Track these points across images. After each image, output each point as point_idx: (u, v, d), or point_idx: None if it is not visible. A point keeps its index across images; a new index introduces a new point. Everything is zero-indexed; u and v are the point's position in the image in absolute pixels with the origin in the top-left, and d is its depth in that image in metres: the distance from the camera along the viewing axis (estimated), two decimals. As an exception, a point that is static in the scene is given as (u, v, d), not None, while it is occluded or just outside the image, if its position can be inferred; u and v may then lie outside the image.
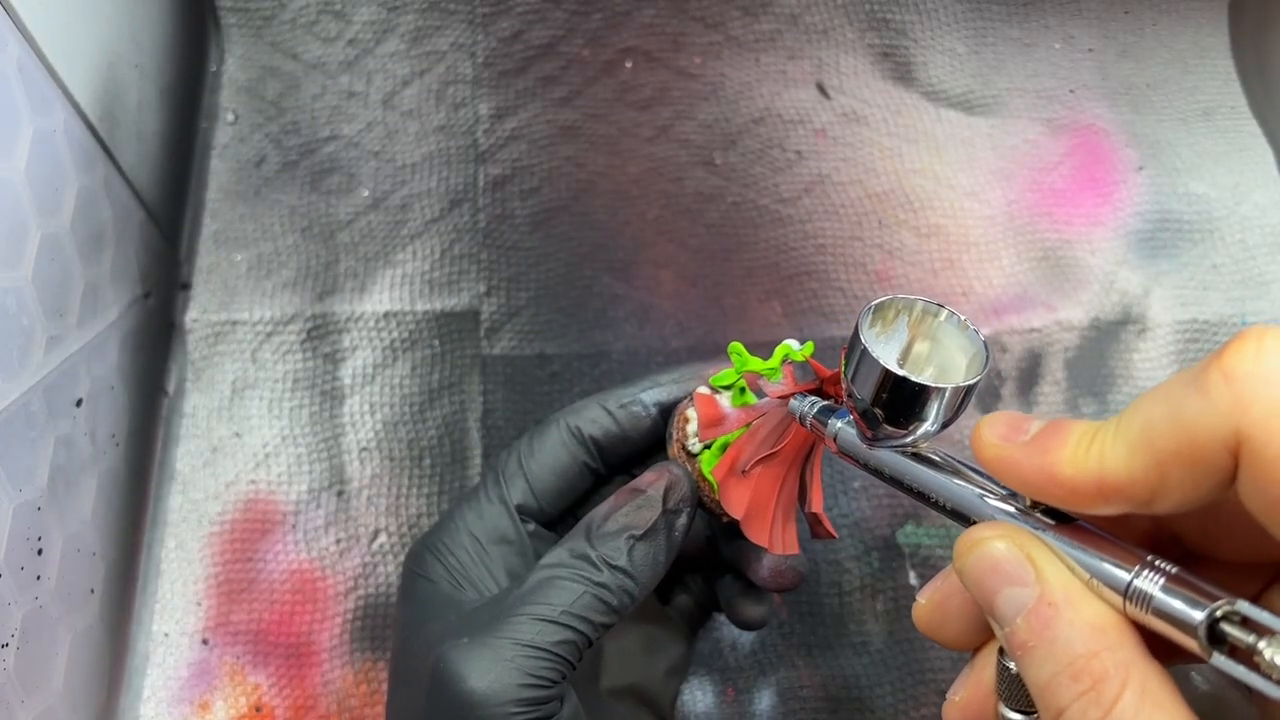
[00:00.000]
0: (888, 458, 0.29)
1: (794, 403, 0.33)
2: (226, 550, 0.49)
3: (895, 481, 0.28)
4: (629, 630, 0.39)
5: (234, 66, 0.60)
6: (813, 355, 0.35)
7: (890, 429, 0.27)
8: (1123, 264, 0.57)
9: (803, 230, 0.57)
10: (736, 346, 0.36)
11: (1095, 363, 0.55)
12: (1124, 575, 0.21)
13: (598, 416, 0.37)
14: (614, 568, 0.32)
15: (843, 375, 0.28)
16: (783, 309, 0.55)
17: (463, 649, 0.30)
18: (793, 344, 0.36)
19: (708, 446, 0.35)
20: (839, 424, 0.31)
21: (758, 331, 0.54)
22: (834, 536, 0.37)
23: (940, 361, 0.28)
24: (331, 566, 0.49)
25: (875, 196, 0.58)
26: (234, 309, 0.54)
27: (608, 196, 0.57)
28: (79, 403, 0.43)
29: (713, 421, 0.34)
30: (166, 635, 0.48)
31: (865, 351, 0.27)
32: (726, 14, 0.62)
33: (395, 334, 0.54)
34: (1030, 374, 0.54)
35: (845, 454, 0.31)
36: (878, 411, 0.27)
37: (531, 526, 0.36)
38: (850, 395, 0.28)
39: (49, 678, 0.39)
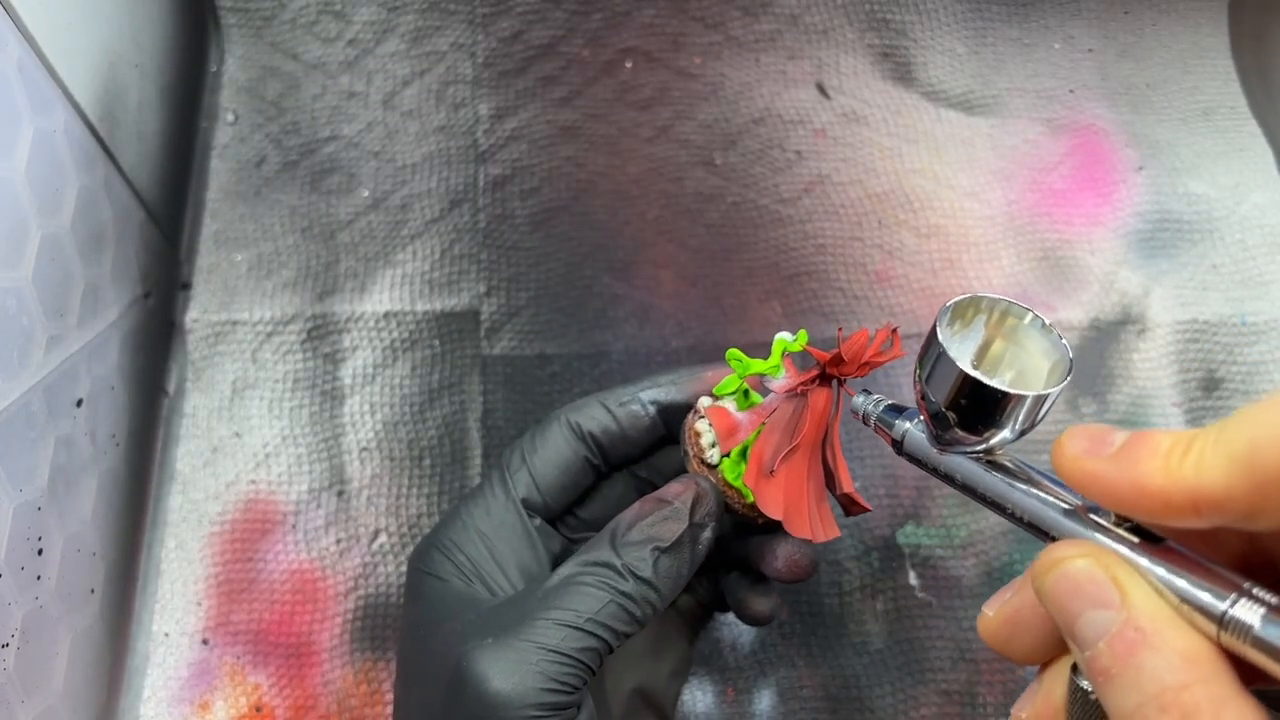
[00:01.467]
0: (959, 464, 0.27)
1: (857, 401, 0.32)
2: (227, 550, 0.49)
3: (966, 489, 0.27)
4: (643, 631, 0.39)
5: (234, 67, 0.60)
6: (807, 343, 0.35)
7: (962, 434, 0.26)
8: (1122, 264, 0.57)
9: (803, 230, 0.57)
10: (735, 353, 0.36)
11: (1095, 363, 0.55)
12: (1220, 604, 0.20)
13: (598, 414, 0.37)
14: (639, 578, 0.32)
15: (916, 375, 0.27)
16: (783, 309, 0.55)
17: (487, 650, 0.30)
18: (785, 336, 0.35)
19: (726, 455, 0.35)
20: (906, 425, 0.29)
21: (758, 331, 0.54)
22: (869, 509, 0.36)
23: (1019, 366, 0.27)
24: (332, 566, 0.49)
25: (875, 197, 0.58)
26: (234, 309, 0.54)
27: (608, 196, 0.57)
28: (79, 403, 0.43)
29: (729, 431, 0.34)
30: (167, 635, 0.48)
31: (943, 352, 0.25)
32: (726, 14, 0.62)
33: (395, 334, 0.54)
34: (1030, 374, 0.54)
35: (911, 457, 0.29)
36: (951, 415, 0.26)
37: (537, 522, 0.36)
38: (924, 397, 0.27)
39: (49, 678, 0.39)
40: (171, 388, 0.53)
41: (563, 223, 0.57)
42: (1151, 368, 0.55)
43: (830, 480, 0.36)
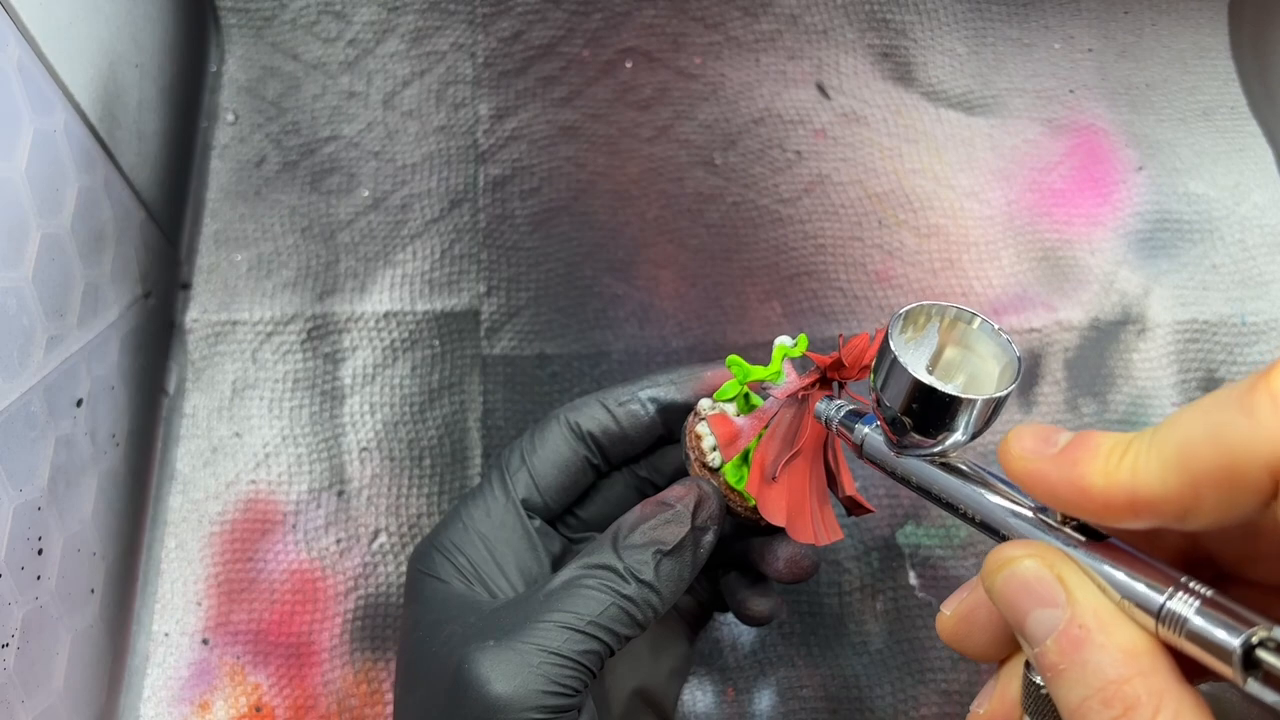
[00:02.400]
0: (915, 466, 0.28)
1: (820, 407, 0.33)
2: (227, 550, 0.49)
3: (922, 490, 0.28)
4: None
5: (234, 67, 0.60)
6: (807, 348, 0.35)
7: (918, 438, 0.27)
8: (1122, 264, 0.57)
9: (803, 230, 0.57)
10: (735, 359, 0.36)
11: (1095, 363, 0.55)
12: (1157, 597, 0.21)
13: (597, 414, 0.37)
14: (640, 581, 0.32)
15: (871, 382, 0.28)
16: (783, 309, 0.55)
17: (489, 652, 0.30)
18: (785, 340, 0.36)
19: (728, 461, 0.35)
20: (866, 429, 0.30)
21: (757, 331, 0.54)
22: (872, 511, 0.37)
23: (971, 370, 0.28)
24: (332, 566, 0.49)
25: (875, 197, 0.58)
26: (234, 309, 0.54)
27: (608, 197, 0.57)
28: (79, 403, 0.43)
29: (730, 438, 0.34)
30: (167, 635, 0.48)
31: (894, 359, 0.26)
32: (727, 14, 0.62)
33: (395, 334, 0.54)
34: (1030, 374, 0.54)
35: (871, 460, 0.30)
36: (906, 420, 0.27)
37: (537, 523, 0.36)
38: (878, 403, 0.28)
39: (49, 677, 0.39)
40: (171, 387, 0.53)
41: (563, 223, 0.57)
42: (1151, 368, 0.55)
43: (833, 482, 0.36)
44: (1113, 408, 0.54)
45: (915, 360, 0.27)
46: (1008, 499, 0.25)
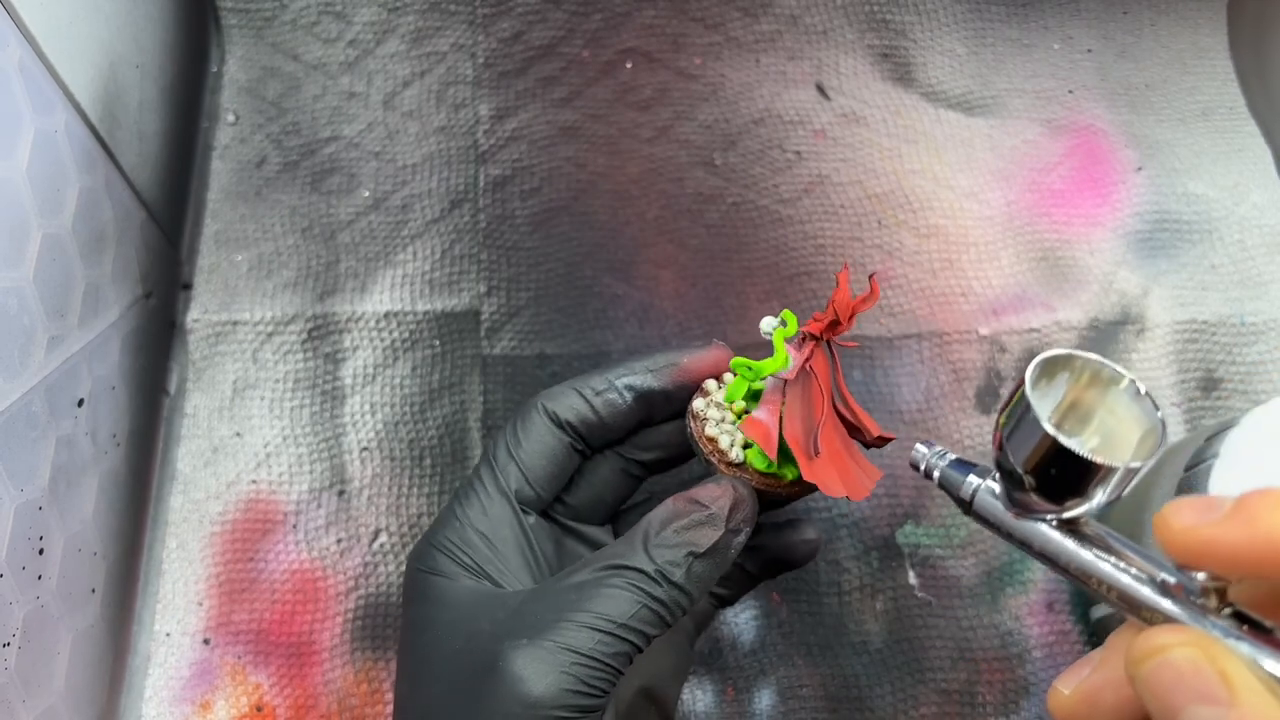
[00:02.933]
0: (1036, 531, 0.26)
1: (917, 451, 0.30)
2: (228, 550, 0.50)
3: (1044, 557, 0.26)
4: None
5: (235, 67, 0.60)
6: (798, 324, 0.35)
7: (1042, 501, 0.25)
8: (1121, 264, 0.57)
9: (802, 231, 0.57)
10: (741, 361, 0.35)
11: (1094, 363, 0.55)
12: None
13: (575, 404, 0.36)
14: (672, 584, 0.31)
15: (997, 432, 0.25)
16: (782, 309, 0.55)
17: (523, 650, 0.30)
18: (772, 322, 0.35)
19: (747, 446, 0.35)
20: (976, 483, 0.28)
21: (757, 332, 0.54)
22: (894, 438, 0.36)
23: (1105, 429, 0.25)
24: (332, 566, 0.49)
25: (875, 197, 0.58)
26: (235, 309, 0.54)
27: (608, 197, 0.58)
28: (80, 402, 0.43)
29: (767, 438, 0.33)
30: (168, 635, 0.48)
31: (1029, 412, 0.23)
32: (726, 15, 0.62)
33: (396, 334, 0.54)
34: (1029, 374, 0.54)
35: (981, 518, 0.27)
36: (1031, 480, 0.24)
37: (532, 518, 0.36)
38: (1001, 458, 0.25)
39: (50, 677, 0.39)
40: (172, 387, 0.53)
41: (563, 223, 0.57)
42: (1150, 368, 0.55)
43: (856, 431, 0.36)
44: (1112, 408, 0.54)
45: (1045, 409, 0.24)
46: (1147, 572, 0.23)
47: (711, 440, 0.35)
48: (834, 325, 0.34)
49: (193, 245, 0.56)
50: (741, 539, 0.34)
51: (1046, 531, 0.25)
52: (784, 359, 0.35)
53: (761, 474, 0.34)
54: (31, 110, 0.39)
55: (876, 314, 0.55)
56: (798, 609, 0.49)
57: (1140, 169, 0.60)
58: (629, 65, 0.61)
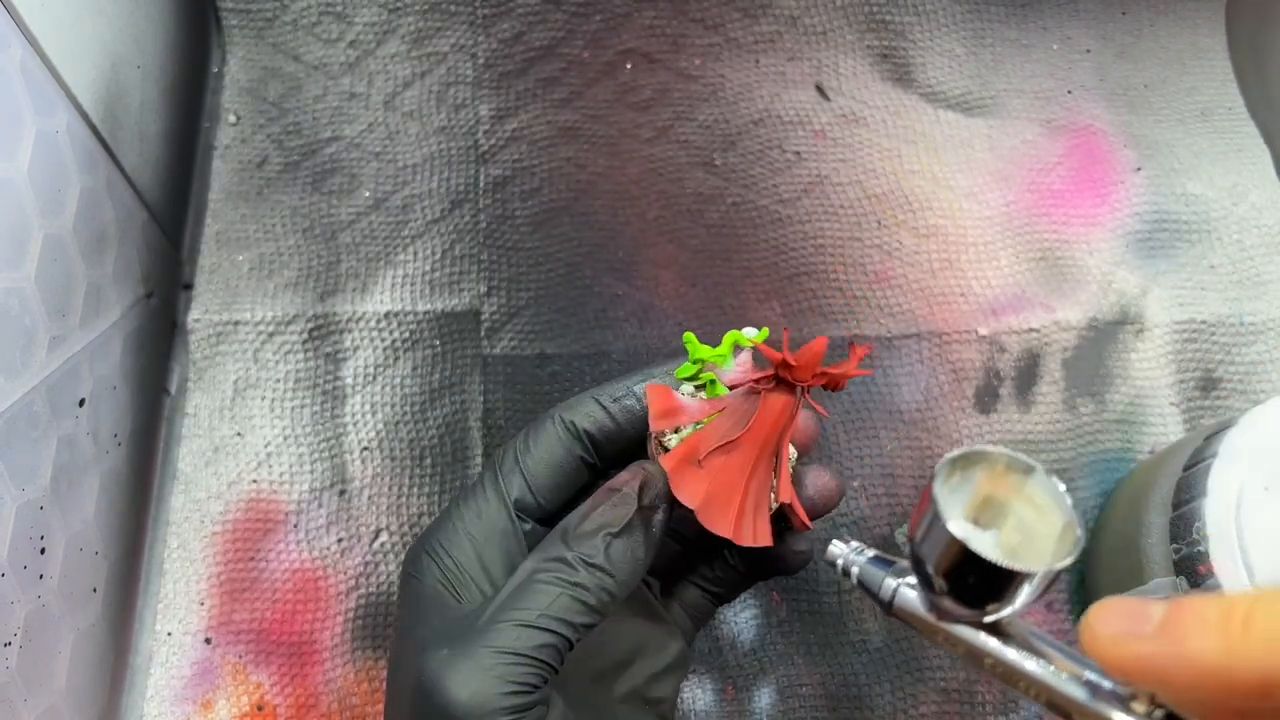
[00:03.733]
0: (960, 633, 0.25)
1: (834, 548, 0.30)
2: (229, 549, 0.50)
3: (969, 659, 0.25)
4: (633, 631, 0.39)
5: (236, 68, 0.60)
6: (766, 341, 0.33)
7: (960, 607, 0.24)
8: (1120, 264, 0.57)
9: (802, 231, 0.57)
10: (689, 336, 0.35)
11: (1093, 363, 0.55)
12: None
13: (592, 411, 0.36)
14: (590, 565, 0.32)
15: (910, 537, 0.25)
16: (782, 309, 0.55)
17: (443, 660, 0.30)
18: (749, 331, 0.35)
19: (660, 434, 0.34)
20: (895, 584, 0.27)
21: (757, 331, 0.55)
22: (808, 528, 0.34)
23: (1022, 523, 0.24)
24: (333, 566, 0.49)
25: (874, 197, 0.58)
26: (236, 309, 0.54)
27: (608, 197, 0.58)
28: (82, 402, 0.43)
29: (666, 412, 0.33)
30: (169, 634, 0.48)
31: (937, 515, 0.23)
32: (726, 16, 0.62)
33: (396, 334, 0.54)
34: (1028, 374, 0.54)
35: (906, 622, 0.26)
36: (944, 585, 0.24)
37: (529, 525, 0.36)
38: (916, 562, 0.24)
39: (52, 676, 0.39)
40: (173, 387, 0.53)
41: (563, 223, 0.57)
42: (1149, 368, 0.55)
43: (779, 501, 0.34)
44: (1110, 408, 0.54)
45: (955, 508, 0.23)
46: (1076, 674, 0.23)
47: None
48: (787, 366, 0.32)
49: (194, 245, 0.56)
50: (660, 516, 0.33)
51: (970, 634, 0.25)
52: (723, 355, 0.34)
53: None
54: (33, 111, 0.39)
55: (876, 314, 0.55)
56: (797, 608, 0.49)
57: (1139, 169, 0.60)
58: (629, 66, 0.61)
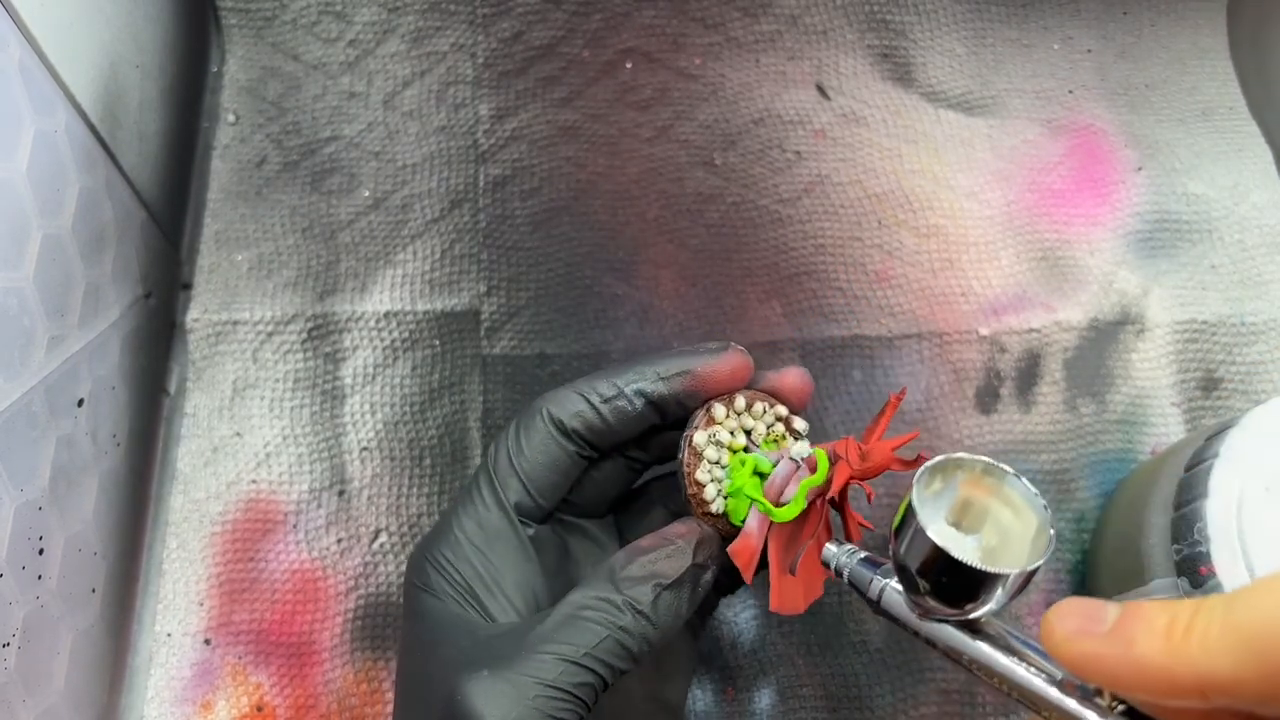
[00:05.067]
0: (940, 631, 0.26)
1: (827, 550, 0.31)
2: (228, 550, 0.50)
3: (950, 656, 0.26)
4: None
5: (235, 67, 0.60)
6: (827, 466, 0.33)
7: (941, 605, 0.26)
8: (1121, 264, 0.57)
9: (802, 230, 0.57)
10: (757, 460, 0.34)
11: (1094, 363, 0.55)
12: None
13: (582, 410, 0.35)
14: (638, 612, 0.31)
15: (892, 540, 0.26)
16: (782, 309, 0.55)
17: (483, 682, 0.30)
18: (803, 449, 0.34)
19: (729, 496, 0.34)
20: (883, 583, 0.28)
21: (757, 332, 0.55)
22: (871, 528, 0.36)
23: (1000, 525, 0.26)
24: (333, 566, 0.49)
25: (875, 197, 0.58)
26: (235, 309, 0.54)
27: (608, 197, 0.58)
28: (80, 402, 0.43)
29: (748, 562, 0.33)
30: (169, 635, 0.48)
31: (918, 525, 0.24)
32: (726, 15, 0.62)
33: (396, 334, 0.54)
34: (1029, 374, 0.54)
35: (890, 618, 0.28)
36: (928, 585, 0.25)
37: (532, 530, 0.36)
38: (899, 566, 0.26)
39: (51, 677, 0.39)
40: (172, 387, 0.53)
41: (563, 223, 0.57)
42: (1150, 368, 0.55)
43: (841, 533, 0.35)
44: (1111, 408, 0.54)
45: (936, 514, 0.25)
46: (1044, 670, 0.24)
47: (699, 485, 0.34)
48: (863, 475, 0.33)
49: (193, 245, 0.56)
50: (708, 576, 0.34)
51: (950, 631, 0.26)
52: (797, 510, 0.33)
53: (735, 529, 0.34)
54: (32, 111, 0.39)
55: (877, 314, 0.55)
56: (798, 609, 0.49)
57: (1140, 169, 0.60)
58: (629, 65, 0.61)
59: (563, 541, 0.38)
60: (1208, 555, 0.39)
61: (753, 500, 0.34)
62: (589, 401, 0.35)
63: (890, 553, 0.26)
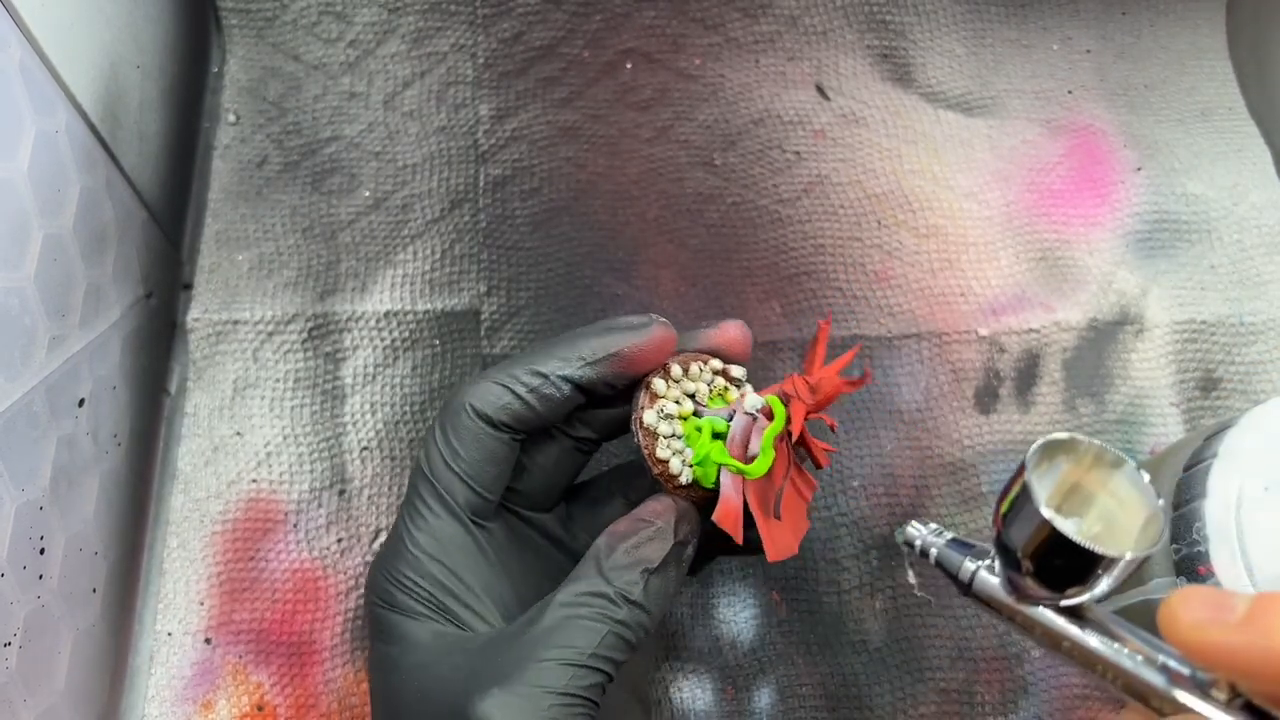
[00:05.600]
0: (1040, 616, 0.25)
1: (911, 529, 0.30)
2: (229, 549, 0.50)
3: (1047, 643, 0.25)
4: None
5: (236, 67, 0.60)
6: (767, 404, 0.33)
7: (1042, 588, 0.25)
8: (1120, 264, 0.57)
9: (802, 231, 0.57)
10: (710, 423, 0.34)
11: (1093, 363, 0.55)
12: None
13: (508, 402, 0.34)
14: (631, 603, 0.31)
15: (998, 518, 0.25)
16: (782, 309, 0.55)
17: (495, 699, 0.29)
18: (755, 401, 0.34)
19: (695, 464, 0.34)
20: (974, 566, 0.27)
21: (757, 331, 0.55)
22: (835, 450, 0.35)
23: (1105, 513, 0.25)
24: (333, 565, 0.49)
25: (874, 197, 0.58)
26: (235, 309, 0.54)
27: (608, 197, 0.58)
28: (81, 402, 0.43)
29: (734, 525, 0.33)
30: (169, 635, 0.48)
31: (1029, 501, 0.23)
32: (726, 16, 0.62)
33: (396, 334, 0.54)
34: (1028, 375, 0.54)
35: (982, 602, 0.27)
36: (1030, 566, 0.24)
37: (485, 530, 0.35)
38: (1001, 544, 0.25)
39: (51, 677, 0.39)
40: (173, 387, 0.53)
41: (563, 223, 0.57)
42: (1149, 368, 0.55)
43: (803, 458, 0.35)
44: (1110, 408, 0.54)
45: (1044, 492, 0.24)
46: (1153, 661, 0.23)
47: (662, 463, 0.34)
48: (818, 407, 0.33)
49: (193, 245, 0.56)
50: (689, 551, 0.33)
51: (1049, 616, 0.25)
52: (768, 462, 0.33)
53: (708, 492, 0.34)
54: (32, 111, 0.39)
55: (876, 314, 0.55)
56: (797, 608, 0.49)
57: (1139, 169, 0.60)
58: (629, 66, 0.61)
59: (516, 537, 0.37)
60: (1206, 555, 0.39)
61: (721, 464, 0.33)
62: (514, 392, 0.34)
63: (994, 532, 0.25)
